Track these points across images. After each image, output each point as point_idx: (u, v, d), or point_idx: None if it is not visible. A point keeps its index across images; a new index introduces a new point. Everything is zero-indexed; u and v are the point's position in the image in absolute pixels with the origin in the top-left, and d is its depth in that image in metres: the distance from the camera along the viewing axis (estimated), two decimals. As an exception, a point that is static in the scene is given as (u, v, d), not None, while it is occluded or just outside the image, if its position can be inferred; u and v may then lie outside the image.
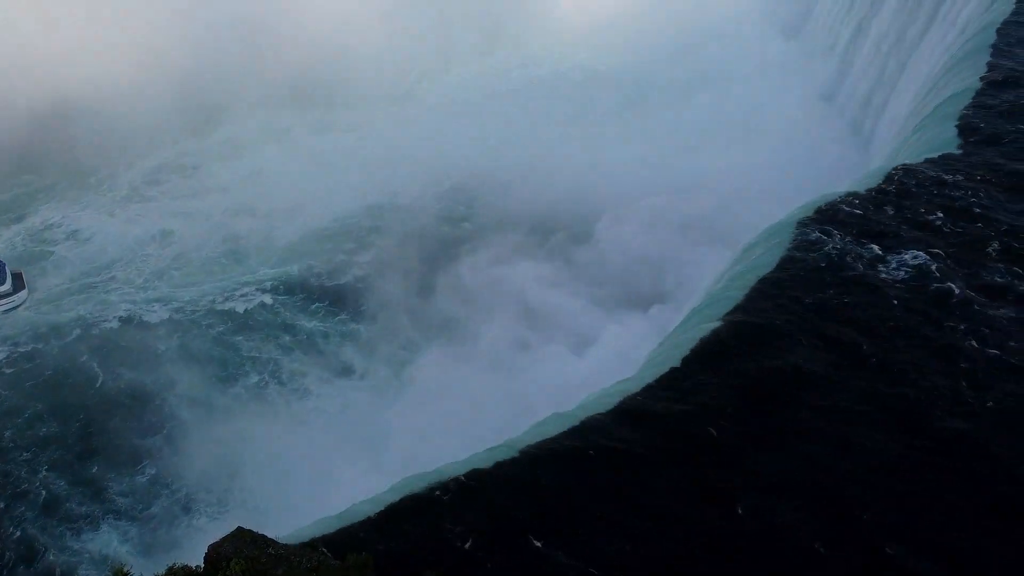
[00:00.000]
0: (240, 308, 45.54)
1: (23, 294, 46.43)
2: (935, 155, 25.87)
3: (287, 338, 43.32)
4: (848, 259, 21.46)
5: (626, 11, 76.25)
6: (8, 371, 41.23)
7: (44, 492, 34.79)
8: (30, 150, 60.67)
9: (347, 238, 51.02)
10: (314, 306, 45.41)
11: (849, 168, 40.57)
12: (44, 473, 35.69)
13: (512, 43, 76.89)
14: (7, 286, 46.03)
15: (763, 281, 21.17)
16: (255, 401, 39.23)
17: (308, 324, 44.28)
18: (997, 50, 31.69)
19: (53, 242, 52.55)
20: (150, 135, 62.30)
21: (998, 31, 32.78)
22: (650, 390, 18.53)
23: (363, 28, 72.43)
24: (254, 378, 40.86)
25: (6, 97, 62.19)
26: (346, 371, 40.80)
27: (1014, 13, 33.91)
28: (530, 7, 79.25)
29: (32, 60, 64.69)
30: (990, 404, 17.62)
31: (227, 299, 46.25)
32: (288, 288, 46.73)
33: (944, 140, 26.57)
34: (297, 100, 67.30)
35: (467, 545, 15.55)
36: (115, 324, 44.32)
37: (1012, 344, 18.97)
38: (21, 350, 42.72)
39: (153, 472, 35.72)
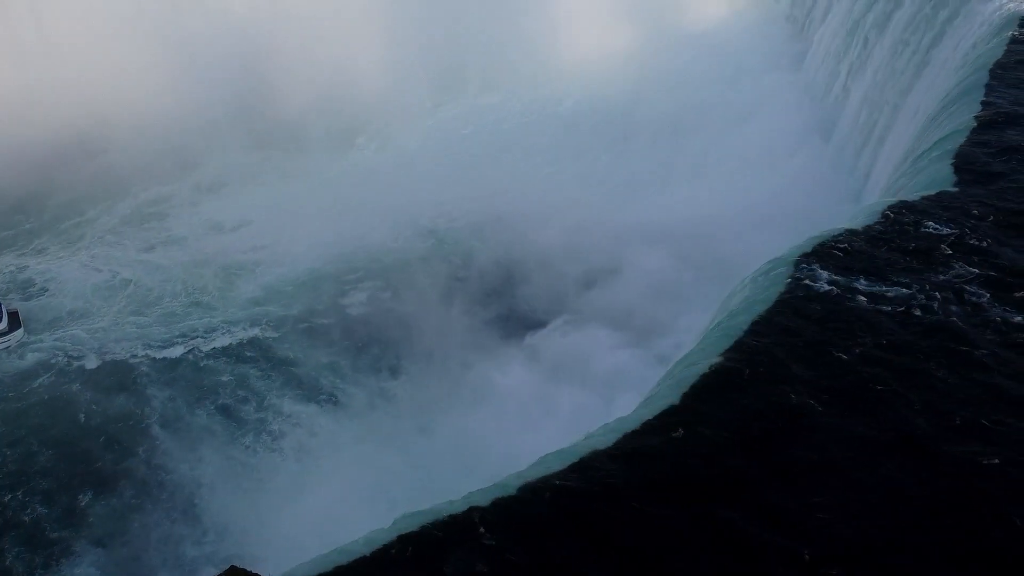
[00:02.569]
0: (226, 342, 45.36)
1: (19, 333, 46.21)
2: (931, 192, 26.01)
3: (279, 374, 43.14)
4: (846, 295, 21.47)
5: (619, 48, 77.06)
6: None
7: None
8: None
9: (343, 274, 51.07)
10: (310, 342, 45.32)
11: (846, 204, 40.85)
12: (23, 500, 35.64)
13: (502, 81, 77.10)
14: (3, 324, 45.84)
15: (761, 317, 21.15)
16: (243, 433, 39.20)
17: (303, 360, 44.14)
18: (991, 89, 31.98)
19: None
20: (127, 179, 62.30)
21: (991, 71, 33.13)
22: (649, 427, 18.42)
23: (359, 74, 72.76)
24: (241, 411, 40.77)
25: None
26: (342, 406, 40.68)
27: (1007, 54, 34.28)
28: (518, 46, 79.67)
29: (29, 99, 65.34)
30: (994, 441, 17.49)
31: (208, 334, 45.94)
32: (278, 324, 46.62)
33: (940, 177, 26.72)
34: (276, 144, 67.17)
35: (464, 585, 15.34)
36: (87, 363, 44.03)
37: (1012, 381, 18.88)
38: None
39: (136, 502, 35.75)
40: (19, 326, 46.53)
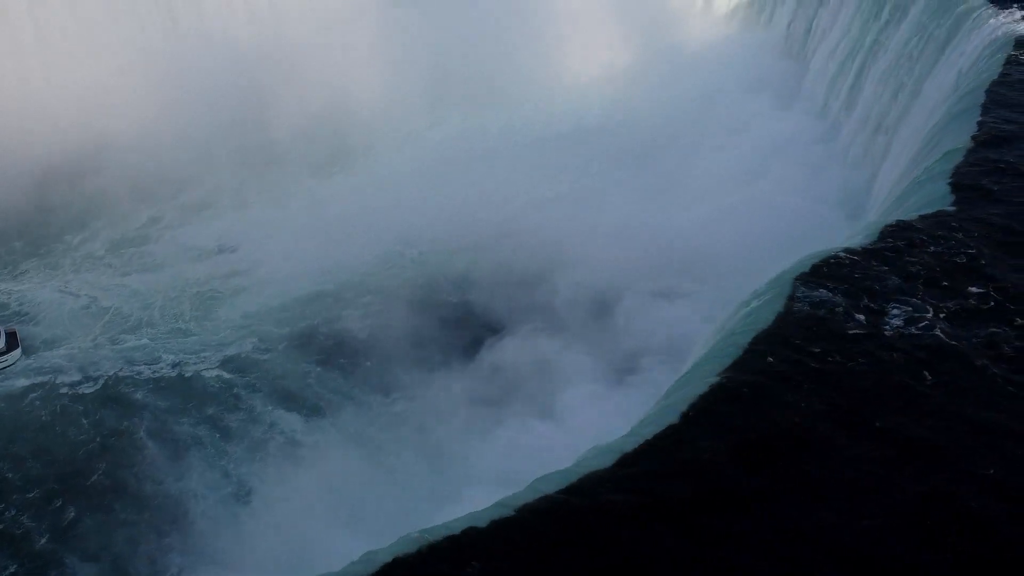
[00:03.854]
0: (213, 361, 45.33)
1: (16, 353, 46.09)
2: (929, 211, 26.08)
3: (265, 390, 43.11)
4: (846, 314, 21.44)
5: (620, 71, 77.53)
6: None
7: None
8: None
9: (344, 292, 51.01)
10: (306, 362, 45.27)
11: (845, 223, 40.96)
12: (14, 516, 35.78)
13: (503, 101, 77.25)
14: (1, 344, 45.74)
15: (761, 337, 21.11)
16: (232, 448, 39.30)
17: (300, 378, 44.13)
18: (987, 110, 32.22)
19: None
20: (118, 201, 62.39)
21: (987, 92, 33.37)
22: (648, 447, 18.32)
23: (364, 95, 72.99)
24: (229, 426, 40.85)
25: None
26: (332, 422, 40.64)
27: (1001, 75, 34.53)
28: (520, 64, 79.93)
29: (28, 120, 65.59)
30: (994, 464, 17.41)
31: (193, 355, 45.91)
32: (275, 344, 46.57)
33: (938, 196, 26.82)
34: (267, 166, 67.25)
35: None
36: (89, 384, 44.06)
37: (1011, 402, 18.82)
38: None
39: (125, 516, 35.86)
40: (17, 346, 46.41)
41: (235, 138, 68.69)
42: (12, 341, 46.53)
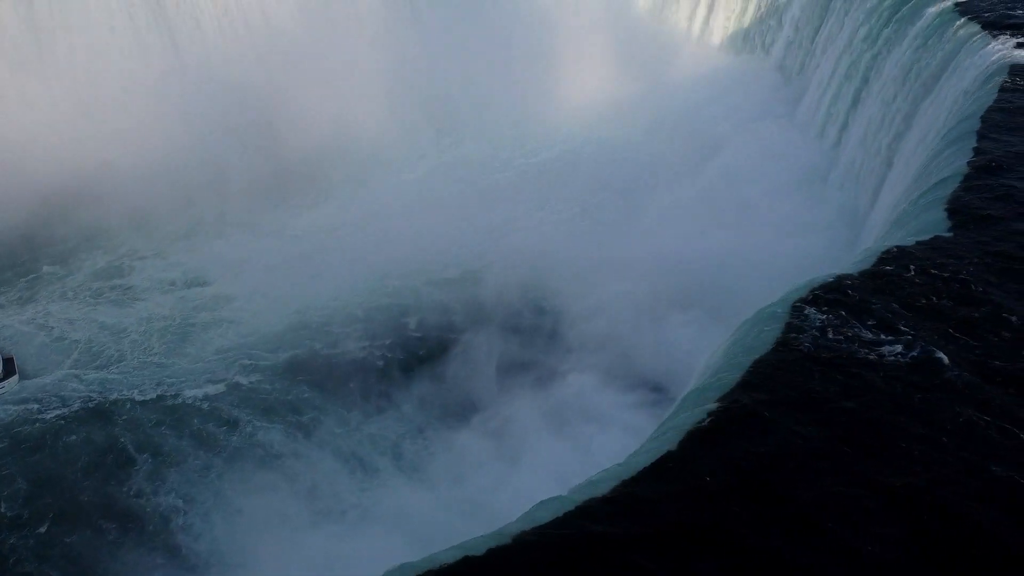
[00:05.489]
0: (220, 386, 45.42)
1: (14, 380, 45.98)
2: (926, 237, 26.13)
3: (278, 419, 43.15)
4: (843, 340, 21.41)
5: (616, 98, 78.02)
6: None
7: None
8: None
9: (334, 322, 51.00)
10: (303, 387, 45.32)
11: (842, 249, 41.02)
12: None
13: (494, 131, 77.57)
14: None
15: (758, 363, 21.06)
16: (220, 466, 39.44)
17: (299, 406, 44.15)
18: (983, 136, 32.37)
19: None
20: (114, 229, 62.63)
21: (983, 118, 33.54)
22: (645, 474, 18.21)
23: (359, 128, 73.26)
24: (217, 444, 41.17)
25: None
26: (323, 445, 40.64)
27: (997, 101, 34.73)
28: (513, 94, 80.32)
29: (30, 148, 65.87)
30: (995, 489, 17.29)
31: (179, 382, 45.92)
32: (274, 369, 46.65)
33: (934, 222, 26.88)
34: (264, 197, 67.30)
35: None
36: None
37: (1010, 430, 18.73)
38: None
39: (113, 536, 35.97)
40: (14, 372, 46.30)
41: (234, 170, 68.88)
42: (9, 367, 46.42)
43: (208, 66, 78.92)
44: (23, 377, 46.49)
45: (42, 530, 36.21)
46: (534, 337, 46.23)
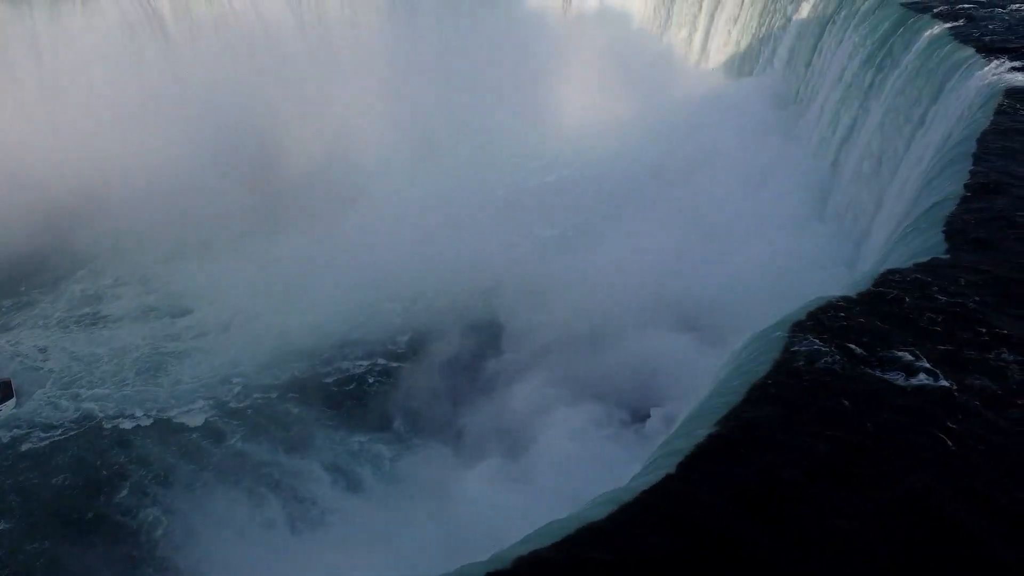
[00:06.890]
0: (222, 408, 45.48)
1: (11, 403, 45.91)
2: (923, 259, 26.17)
3: (282, 439, 43.28)
4: (841, 363, 21.39)
5: (615, 120, 78.40)
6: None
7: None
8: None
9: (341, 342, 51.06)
10: (316, 408, 45.55)
11: (840, 272, 41.07)
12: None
13: (492, 152, 77.71)
14: None
15: (756, 386, 21.02)
16: (216, 486, 39.53)
17: (308, 424, 44.37)
18: (980, 158, 32.53)
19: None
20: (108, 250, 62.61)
21: (979, 140, 33.72)
22: (644, 498, 18.12)
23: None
24: (210, 462, 41.52)
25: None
26: (350, 479, 40.63)
27: (993, 124, 34.94)
28: (512, 114, 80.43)
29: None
30: (996, 512, 17.22)
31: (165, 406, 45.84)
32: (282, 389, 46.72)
33: (931, 245, 26.95)
34: (257, 219, 67.19)
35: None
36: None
37: (1010, 452, 18.68)
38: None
39: (108, 554, 36.16)
40: (12, 396, 46.16)
41: (232, 192, 69.00)
42: (7, 390, 46.30)
43: (209, 84, 79.24)
44: (19, 396, 46.40)
45: (37, 551, 36.24)
46: (525, 355, 46.23)
